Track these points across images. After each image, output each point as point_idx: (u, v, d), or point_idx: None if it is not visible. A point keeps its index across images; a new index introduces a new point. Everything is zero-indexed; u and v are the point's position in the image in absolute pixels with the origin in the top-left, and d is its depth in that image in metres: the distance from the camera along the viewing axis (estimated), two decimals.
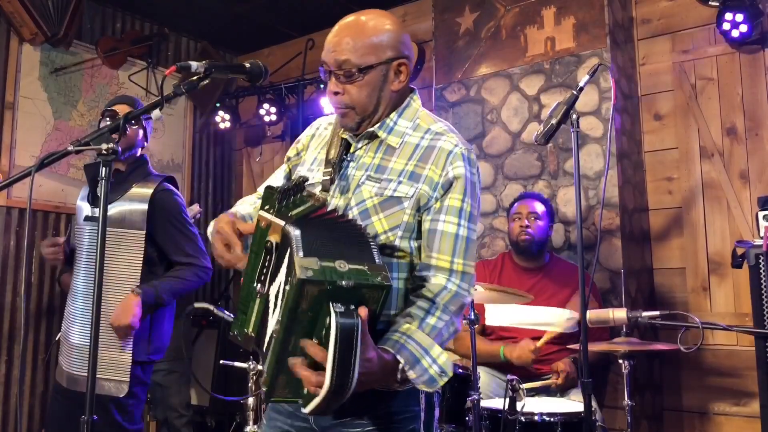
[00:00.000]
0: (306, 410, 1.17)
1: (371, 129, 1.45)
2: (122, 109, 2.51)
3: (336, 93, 1.42)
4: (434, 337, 1.33)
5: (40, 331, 3.99)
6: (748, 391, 3.18)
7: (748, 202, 3.25)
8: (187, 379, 3.32)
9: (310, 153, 1.57)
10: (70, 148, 1.40)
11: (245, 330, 1.34)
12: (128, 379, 2.37)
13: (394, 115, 1.47)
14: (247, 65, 1.56)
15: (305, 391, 1.17)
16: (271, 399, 1.23)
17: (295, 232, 1.18)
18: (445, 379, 1.31)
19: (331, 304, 1.11)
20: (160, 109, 1.48)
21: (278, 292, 1.21)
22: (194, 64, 1.45)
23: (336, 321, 1.09)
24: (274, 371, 1.19)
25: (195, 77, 1.49)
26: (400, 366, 1.26)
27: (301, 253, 1.13)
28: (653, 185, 3.52)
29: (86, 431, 1.40)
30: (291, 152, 1.63)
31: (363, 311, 1.13)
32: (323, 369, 1.11)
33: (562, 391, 2.69)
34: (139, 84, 4.60)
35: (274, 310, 1.22)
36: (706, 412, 3.30)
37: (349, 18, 1.46)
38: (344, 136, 1.49)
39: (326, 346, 1.10)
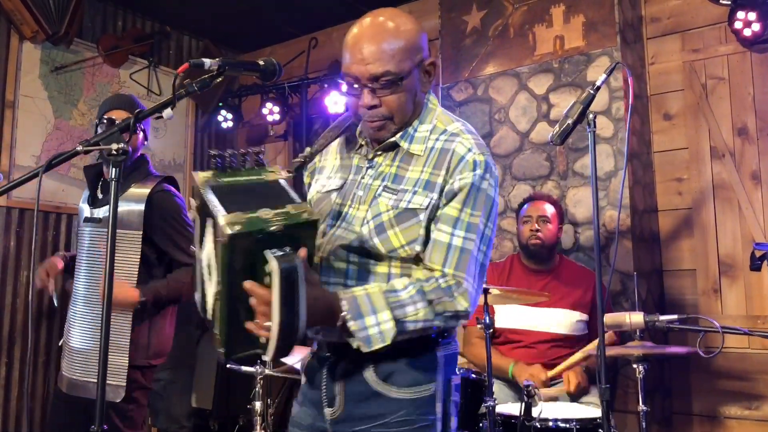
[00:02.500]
0: (266, 357, 1.19)
1: (393, 139, 1.42)
2: (119, 115, 2.43)
3: (373, 107, 1.37)
4: (392, 306, 1.30)
5: (41, 333, 3.93)
6: (760, 395, 3.15)
7: (759, 203, 3.21)
8: (189, 388, 3.24)
9: (326, 162, 1.55)
10: (79, 148, 1.35)
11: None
12: (125, 384, 2.31)
13: (415, 122, 1.44)
14: (261, 63, 1.51)
15: (262, 339, 1.18)
16: (232, 357, 1.25)
17: (208, 195, 1.19)
18: (381, 346, 1.29)
19: (267, 252, 1.12)
20: (172, 108, 1.43)
21: (209, 255, 1.21)
22: (207, 62, 1.40)
23: (277, 265, 1.11)
24: (228, 331, 1.20)
25: (207, 75, 1.45)
26: (343, 313, 1.27)
27: (222, 211, 1.14)
28: (663, 186, 3.48)
29: None
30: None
31: (302, 252, 1.16)
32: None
33: (573, 398, 2.65)
34: (141, 83, 4.54)
35: (210, 274, 1.21)
36: (717, 416, 3.26)
37: (370, 22, 1.39)
38: (364, 142, 1.46)
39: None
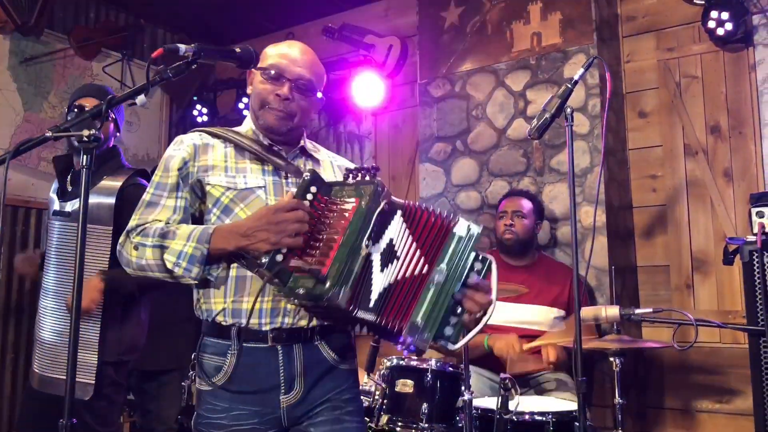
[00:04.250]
0: (464, 340, 1.45)
1: (302, 144, 1.68)
2: (91, 103, 2.37)
3: (287, 99, 1.59)
4: None
5: (9, 330, 3.84)
6: (731, 389, 3.19)
7: (731, 200, 3.25)
8: (181, 390, 3.15)
9: (207, 161, 1.58)
10: (49, 134, 1.31)
11: (344, 285, 1.36)
12: (93, 381, 2.25)
13: (302, 139, 1.70)
14: (237, 50, 1.49)
15: (447, 331, 1.43)
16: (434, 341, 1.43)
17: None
18: None
19: (479, 253, 1.47)
20: (146, 95, 1.39)
21: (386, 250, 1.41)
22: (182, 47, 1.37)
23: (495, 263, 1.49)
24: (440, 320, 1.42)
25: (182, 61, 1.42)
26: None
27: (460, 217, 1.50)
28: (637, 183, 3.51)
29: None
30: (178, 163, 1.58)
31: None
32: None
33: (554, 380, 2.66)
34: (114, 76, 4.46)
35: (385, 267, 1.41)
36: (689, 410, 3.30)
37: (302, 45, 1.70)
38: (265, 142, 1.63)
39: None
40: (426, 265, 1.41)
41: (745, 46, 3.26)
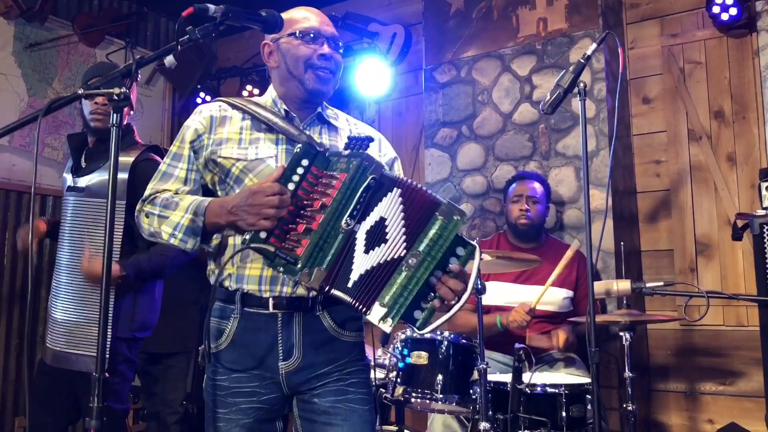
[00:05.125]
0: (430, 326, 1.38)
1: (319, 111, 1.66)
2: None
3: (330, 57, 1.62)
4: None
5: (13, 316, 3.84)
6: (734, 371, 3.23)
7: (735, 185, 3.29)
8: (187, 373, 3.15)
9: (224, 133, 1.60)
10: (80, 91, 1.32)
11: (317, 266, 1.39)
12: (107, 356, 2.26)
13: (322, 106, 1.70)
14: (264, 14, 1.50)
15: (423, 314, 1.38)
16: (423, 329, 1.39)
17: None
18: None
19: (465, 239, 1.39)
20: (175, 55, 1.41)
21: (376, 230, 1.39)
22: (212, 7, 1.39)
23: (479, 250, 1.40)
24: (413, 299, 1.36)
25: (210, 23, 1.43)
26: None
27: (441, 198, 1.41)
28: (642, 168, 3.54)
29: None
30: (191, 136, 1.62)
31: None
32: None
33: (563, 358, 2.68)
34: (117, 63, 4.46)
35: (370, 246, 1.39)
36: (693, 392, 3.33)
37: (313, 8, 1.72)
38: (283, 111, 1.64)
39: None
40: (404, 247, 1.37)
41: (749, 32, 3.30)
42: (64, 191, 2.46)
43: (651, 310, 3.37)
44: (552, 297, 2.88)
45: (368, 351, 2.40)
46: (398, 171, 1.71)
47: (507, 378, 2.24)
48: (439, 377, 2.17)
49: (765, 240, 2.18)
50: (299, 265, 1.38)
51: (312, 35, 1.62)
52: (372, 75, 4.07)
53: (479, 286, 2.11)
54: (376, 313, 1.36)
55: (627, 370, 2.31)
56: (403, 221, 1.38)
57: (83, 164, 2.45)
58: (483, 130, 3.60)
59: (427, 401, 2.19)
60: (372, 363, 2.29)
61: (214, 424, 1.55)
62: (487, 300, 2.83)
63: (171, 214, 1.52)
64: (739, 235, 2.30)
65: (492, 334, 2.70)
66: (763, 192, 2.23)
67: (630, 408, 2.23)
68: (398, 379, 2.21)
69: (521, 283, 2.93)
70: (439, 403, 2.20)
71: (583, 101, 2.02)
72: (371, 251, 1.38)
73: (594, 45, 2.04)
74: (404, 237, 1.37)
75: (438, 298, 1.37)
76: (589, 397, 2.18)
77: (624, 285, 2.18)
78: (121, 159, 2.39)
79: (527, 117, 3.47)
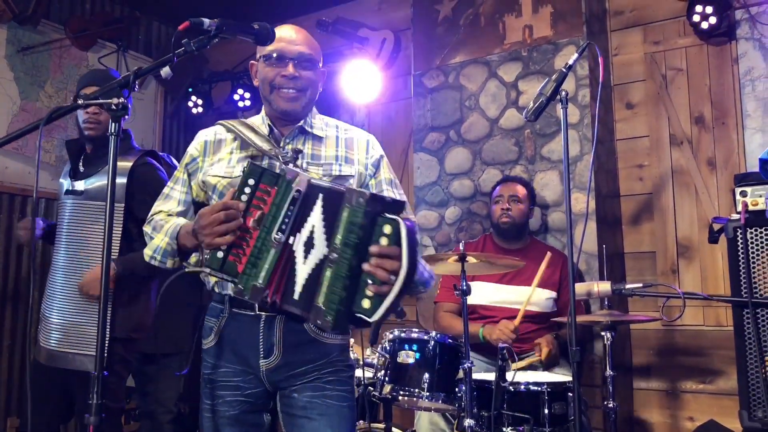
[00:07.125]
0: (380, 311, 1.33)
1: (300, 125, 1.71)
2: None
3: (294, 77, 1.68)
4: None
5: (6, 317, 3.87)
6: (714, 369, 3.32)
7: (715, 188, 3.38)
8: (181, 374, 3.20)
9: (219, 155, 1.71)
10: (80, 101, 1.37)
11: (253, 282, 1.43)
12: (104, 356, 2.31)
13: (309, 116, 1.75)
14: (256, 26, 1.56)
15: (365, 304, 1.34)
16: (338, 322, 1.35)
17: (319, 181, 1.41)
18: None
19: (388, 216, 1.34)
20: (171, 67, 1.46)
21: (309, 238, 1.39)
22: (207, 21, 1.45)
23: (404, 224, 1.31)
24: (342, 296, 1.33)
25: (205, 36, 1.49)
26: None
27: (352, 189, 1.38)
28: (625, 172, 3.63)
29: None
30: (187, 160, 1.76)
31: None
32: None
33: (545, 367, 2.75)
34: (110, 67, 4.49)
35: (306, 257, 1.39)
36: (674, 391, 3.42)
37: (293, 25, 1.76)
38: (267, 126, 1.71)
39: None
40: (326, 245, 1.37)
41: (728, 40, 3.39)
42: (62, 195, 2.50)
43: (634, 310, 3.45)
44: (536, 297, 2.95)
45: (357, 351, 2.46)
46: (385, 168, 1.75)
47: (491, 376, 2.31)
48: (426, 376, 2.24)
49: (739, 244, 2.26)
50: (237, 281, 1.45)
51: (275, 56, 1.68)
52: (362, 80, 4.14)
53: (464, 287, 2.18)
54: (314, 315, 1.36)
55: (608, 369, 2.38)
56: (323, 222, 1.39)
57: (81, 169, 2.50)
58: (470, 134, 3.68)
59: (414, 399, 2.26)
60: (361, 362, 2.36)
61: (204, 414, 1.67)
62: (471, 300, 2.90)
63: (156, 236, 1.66)
64: (715, 238, 2.38)
65: (474, 343, 2.77)
66: (737, 196, 2.31)
67: (611, 405, 2.31)
68: (386, 378, 2.28)
69: (506, 283, 3.01)
70: (426, 400, 2.27)
71: (565, 109, 2.10)
72: (306, 261, 1.40)
73: (576, 55, 2.12)
74: (324, 236, 1.38)
75: (376, 282, 1.33)
76: (570, 394, 2.25)
77: (604, 286, 2.26)
78: (120, 163, 2.45)
79: (513, 122, 3.55)
